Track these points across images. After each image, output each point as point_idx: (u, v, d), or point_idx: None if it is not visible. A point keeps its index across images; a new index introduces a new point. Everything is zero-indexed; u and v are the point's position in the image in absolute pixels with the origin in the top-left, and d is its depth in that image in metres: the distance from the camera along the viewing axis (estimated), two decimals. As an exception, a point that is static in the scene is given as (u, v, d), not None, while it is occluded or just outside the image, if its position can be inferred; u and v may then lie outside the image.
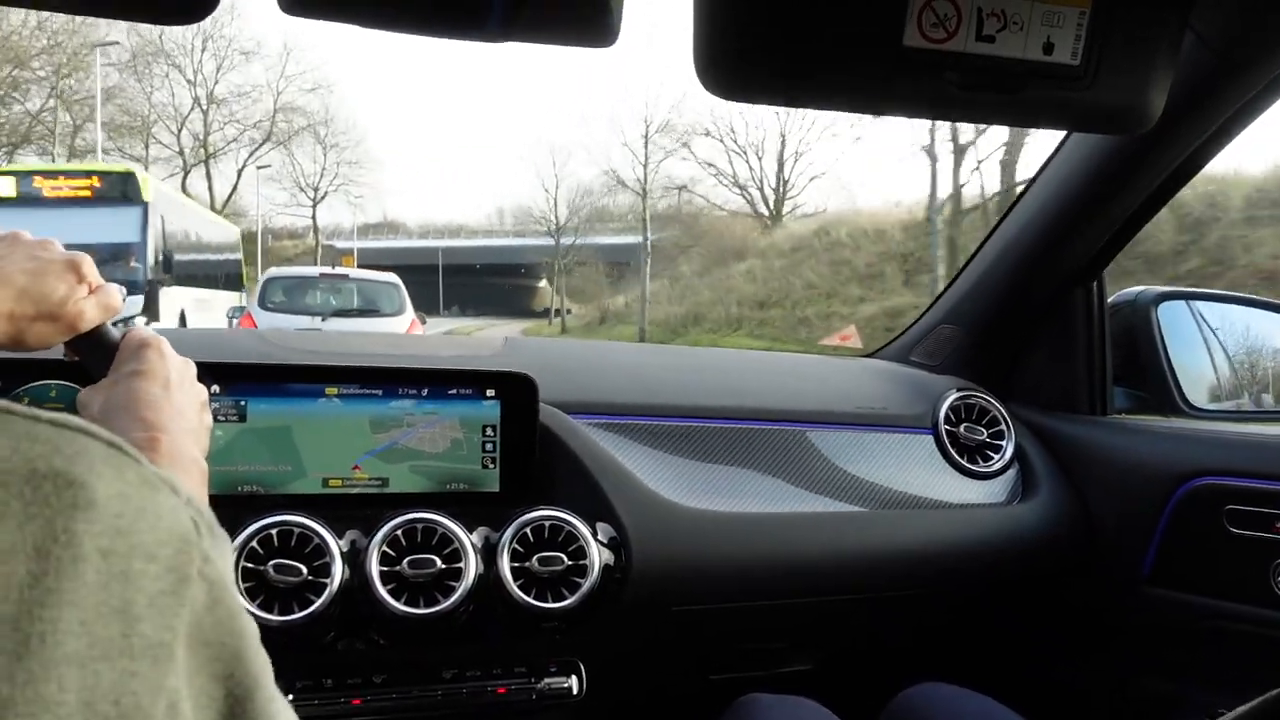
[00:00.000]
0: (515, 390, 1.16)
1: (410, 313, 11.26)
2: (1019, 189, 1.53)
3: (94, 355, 0.78)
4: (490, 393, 1.15)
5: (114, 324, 0.82)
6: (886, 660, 1.38)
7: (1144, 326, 1.56)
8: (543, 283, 53.64)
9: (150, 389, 0.71)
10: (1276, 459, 1.24)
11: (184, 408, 0.73)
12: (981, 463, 1.45)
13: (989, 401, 1.51)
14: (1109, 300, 1.56)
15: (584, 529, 1.11)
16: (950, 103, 0.78)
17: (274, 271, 11.62)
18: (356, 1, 0.83)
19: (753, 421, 1.38)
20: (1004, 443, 1.48)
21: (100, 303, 0.76)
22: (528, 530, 1.10)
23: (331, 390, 1.11)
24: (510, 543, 1.09)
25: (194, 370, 0.79)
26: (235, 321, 12.16)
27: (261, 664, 0.41)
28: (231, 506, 1.00)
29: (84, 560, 0.33)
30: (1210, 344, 1.69)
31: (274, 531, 1.02)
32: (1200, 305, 1.69)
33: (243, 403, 1.08)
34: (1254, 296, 1.76)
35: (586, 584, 1.09)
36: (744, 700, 1.09)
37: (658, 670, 1.27)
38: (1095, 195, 1.37)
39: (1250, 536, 1.23)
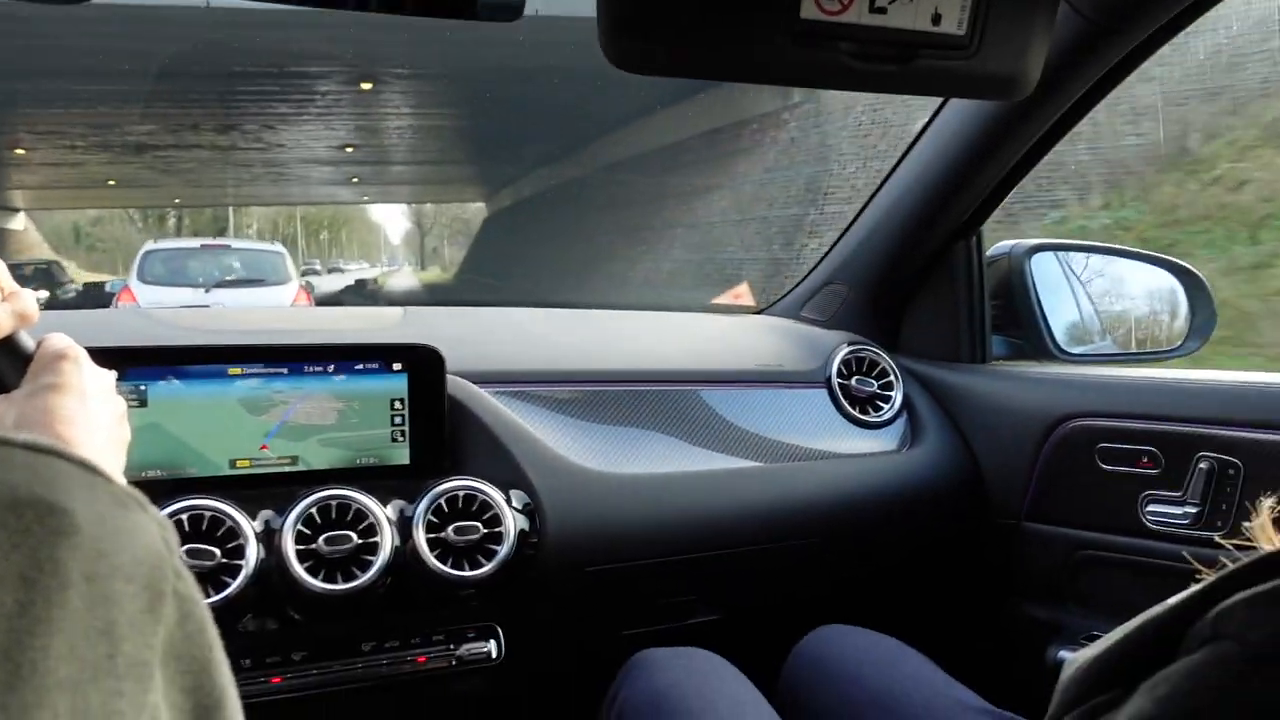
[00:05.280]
0: (422, 362, 1.16)
1: (296, 281, 10.99)
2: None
3: (7, 364, 0.74)
4: (397, 366, 1.15)
5: None
6: (793, 607, 1.44)
7: (1019, 277, 1.64)
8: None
9: (67, 403, 0.68)
10: (1141, 399, 1.33)
11: (101, 421, 0.71)
12: (873, 413, 1.52)
13: (878, 354, 1.58)
14: (987, 253, 1.63)
15: (498, 497, 1.13)
16: (845, 73, 0.81)
17: (151, 245, 11.14)
18: None
19: (653, 384, 1.41)
20: (893, 393, 1.54)
21: (14, 310, 0.72)
22: (442, 501, 1.11)
23: (235, 370, 1.09)
24: (425, 514, 1.09)
25: (112, 381, 0.77)
26: (115, 296, 11.61)
27: (229, 676, 0.41)
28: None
29: (70, 586, 0.33)
30: (1077, 292, 1.79)
31: (184, 516, 1.00)
32: (1068, 255, 1.78)
33: (143, 387, 1.05)
34: (1115, 245, 1.86)
35: (503, 551, 1.11)
36: (639, 656, 1.12)
37: (573, 630, 1.30)
38: (974, 156, 1.43)
39: (1120, 472, 1.33)
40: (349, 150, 26.22)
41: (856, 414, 1.51)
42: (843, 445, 1.47)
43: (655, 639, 1.21)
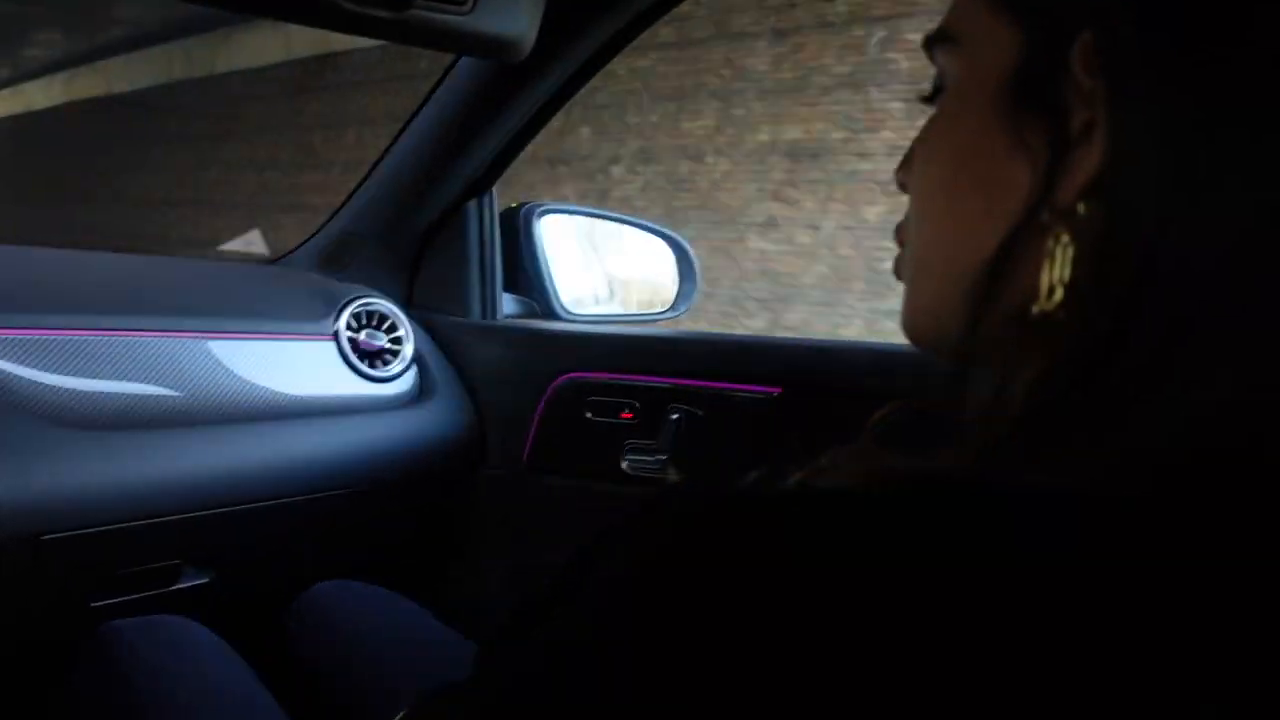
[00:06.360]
0: None
1: None
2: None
3: None
4: None
5: None
6: (291, 566, 1.39)
7: (528, 238, 1.72)
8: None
9: None
10: (626, 356, 1.46)
11: None
12: (382, 367, 1.51)
13: (390, 308, 1.57)
14: (500, 212, 1.68)
15: None
16: (340, 14, 0.79)
17: None
18: None
19: (147, 334, 1.29)
20: (403, 347, 1.54)
21: None
22: None
23: None
24: None
25: None
26: None
27: None
28: None
29: None
30: (585, 255, 1.91)
31: None
32: (576, 219, 1.90)
33: None
34: (621, 215, 2.01)
35: None
36: (98, 632, 1.03)
37: (27, 608, 1.15)
38: (480, 115, 1.47)
39: (606, 423, 1.44)
40: None
41: (365, 368, 1.49)
42: (351, 400, 1.44)
43: (133, 609, 1.11)
